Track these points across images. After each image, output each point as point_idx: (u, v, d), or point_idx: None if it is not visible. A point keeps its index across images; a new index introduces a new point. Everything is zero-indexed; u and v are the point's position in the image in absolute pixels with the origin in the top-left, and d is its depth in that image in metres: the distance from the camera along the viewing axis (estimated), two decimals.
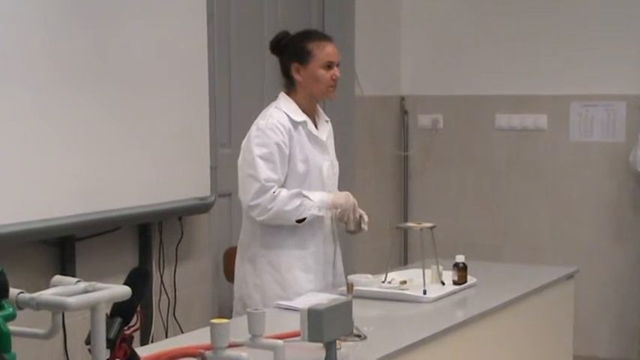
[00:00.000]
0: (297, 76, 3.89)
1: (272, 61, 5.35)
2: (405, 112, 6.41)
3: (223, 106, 5.00)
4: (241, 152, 3.87)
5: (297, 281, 3.88)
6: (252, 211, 3.78)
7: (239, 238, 4.00)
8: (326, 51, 3.90)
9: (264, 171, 3.76)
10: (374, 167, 6.16)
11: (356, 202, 3.93)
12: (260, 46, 5.30)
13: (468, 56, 6.23)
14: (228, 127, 5.06)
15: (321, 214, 3.84)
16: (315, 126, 3.96)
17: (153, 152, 4.33)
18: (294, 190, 3.79)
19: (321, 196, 3.85)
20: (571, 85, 5.96)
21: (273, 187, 3.76)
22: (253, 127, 3.85)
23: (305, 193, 3.81)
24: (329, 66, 3.89)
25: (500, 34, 6.14)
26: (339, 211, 3.87)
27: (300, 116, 3.88)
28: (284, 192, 3.77)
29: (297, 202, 3.78)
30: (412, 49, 6.37)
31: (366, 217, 3.96)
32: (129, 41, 4.19)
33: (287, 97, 3.92)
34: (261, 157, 3.77)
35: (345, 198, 3.90)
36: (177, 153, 4.45)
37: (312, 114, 3.95)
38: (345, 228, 3.96)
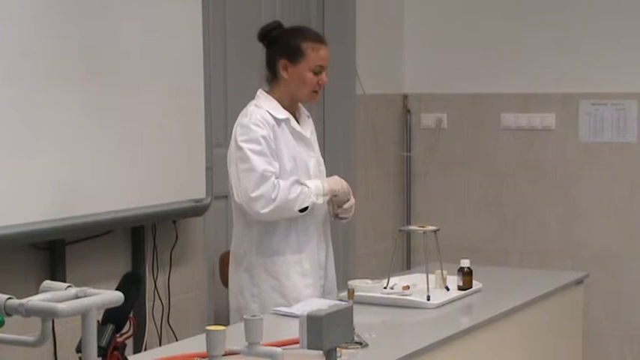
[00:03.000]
0: (283, 73, 3.82)
1: None
2: (408, 111, 6.35)
3: (219, 104, 4.96)
4: (229, 155, 3.82)
5: (295, 287, 3.83)
6: (256, 204, 3.70)
7: (231, 247, 3.94)
8: (319, 54, 3.83)
9: (261, 164, 3.71)
10: (376, 168, 6.10)
11: (349, 186, 3.93)
12: (257, 43, 5.25)
13: (473, 53, 6.18)
14: (224, 126, 4.99)
15: (319, 201, 3.81)
16: (297, 122, 3.90)
17: (146, 153, 4.28)
18: (291, 179, 3.75)
19: (316, 184, 3.82)
20: (580, 82, 5.91)
21: (271, 176, 3.71)
22: (236, 127, 3.80)
23: (300, 180, 3.77)
24: (318, 70, 3.82)
25: (506, 30, 6.09)
26: (337, 197, 3.87)
27: (281, 113, 3.83)
28: (282, 183, 3.72)
29: (297, 189, 3.75)
30: (415, 46, 6.32)
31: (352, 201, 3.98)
32: (121, 39, 4.15)
33: (266, 94, 3.87)
34: (254, 152, 3.72)
35: (340, 183, 3.89)
36: (171, 153, 4.40)
37: (293, 110, 3.90)
38: (339, 214, 3.96)
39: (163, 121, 4.35)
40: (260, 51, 5.27)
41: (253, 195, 3.69)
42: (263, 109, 3.79)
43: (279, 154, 3.77)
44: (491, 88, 6.12)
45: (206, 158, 4.59)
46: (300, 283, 3.83)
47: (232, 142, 3.81)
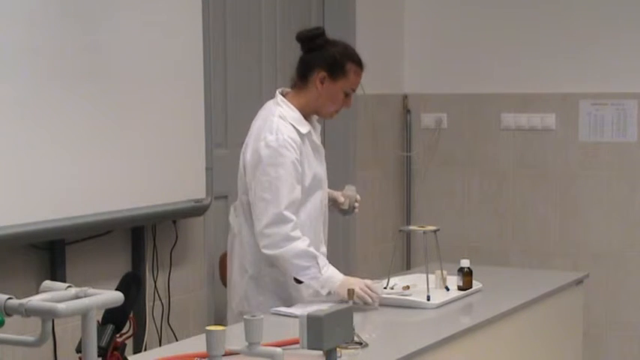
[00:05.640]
0: (317, 85, 3.73)
1: (269, 60, 5.34)
2: (408, 111, 6.34)
3: (219, 105, 4.95)
4: (250, 167, 3.68)
5: (302, 298, 3.79)
6: (262, 240, 3.61)
7: (235, 251, 3.86)
8: (357, 79, 3.81)
9: (283, 196, 3.59)
10: (375, 168, 6.09)
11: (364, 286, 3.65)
12: (257, 44, 5.26)
13: (472, 53, 6.17)
14: (224, 127, 5.00)
15: (322, 292, 3.65)
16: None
17: (146, 153, 4.26)
18: (311, 250, 3.61)
19: (331, 275, 3.62)
20: (580, 82, 5.90)
21: (291, 221, 3.59)
22: (261, 144, 3.64)
23: (320, 260, 3.62)
24: (349, 93, 3.79)
25: (506, 30, 6.08)
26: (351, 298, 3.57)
27: (304, 127, 3.74)
28: (301, 243, 3.59)
29: (306, 263, 3.60)
30: (415, 46, 6.32)
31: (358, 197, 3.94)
32: (122, 40, 4.14)
33: (287, 102, 3.76)
34: (279, 180, 3.60)
35: (346, 287, 3.51)
36: (171, 153, 4.39)
37: (309, 119, 3.83)
38: (339, 207, 3.95)
39: (163, 122, 4.33)
40: (261, 52, 5.30)
41: (265, 231, 3.59)
42: (288, 123, 3.68)
43: (302, 172, 3.69)
44: (491, 88, 6.11)
45: (206, 158, 4.57)
46: (305, 293, 3.80)
47: (256, 158, 3.65)
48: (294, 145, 3.64)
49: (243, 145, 3.78)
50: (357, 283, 3.61)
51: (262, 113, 3.80)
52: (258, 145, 3.65)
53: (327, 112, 3.81)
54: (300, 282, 3.69)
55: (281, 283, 3.76)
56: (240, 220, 3.80)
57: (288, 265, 3.61)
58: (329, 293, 3.64)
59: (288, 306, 3.68)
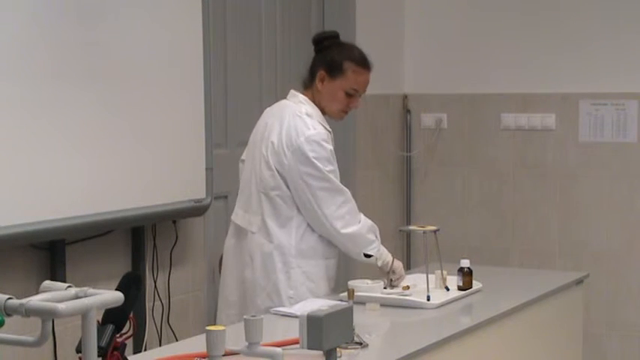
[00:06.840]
0: (318, 84, 3.85)
1: (269, 61, 5.33)
2: (408, 112, 6.34)
3: (219, 105, 4.94)
4: (294, 164, 3.77)
5: (327, 291, 3.85)
6: (337, 222, 3.77)
7: (254, 248, 3.88)
8: (358, 79, 3.86)
9: (337, 180, 3.79)
10: (375, 168, 6.09)
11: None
12: (257, 44, 5.26)
13: (473, 53, 6.17)
14: (224, 127, 4.99)
15: (378, 263, 3.88)
16: None
17: (146, 153, 4.26)
18: (371, 223, 3.89)
19: (382, 248, 3.92)
20: (580, 82, 5.90)
21: (350, 197, 3.82)
22: (301, 139, 3.75)
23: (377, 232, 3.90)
24: (352, 93, 3.85)
25: (506, 30, 6.08)
26: (395, 275, 3.91)
27: (327, 125, 3.87)
28: (364, 217, 3.86)
29: (372, 236, 3.85)
30: (415, 46, 6.32)
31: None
32: (122, 40, 4.13)
33: (310, 101, 3.86)
34: (331, 172, 3.76)
35: (401, 268, 3.95)
36: (171, 153, 4.39)
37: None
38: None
39: (163, 122, 4.33)
40: (260, 51, 5.29)
41: (337, 213, 3.77)
42: (317, 121, 3.81)
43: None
44: (491, 88, 6.10)
45: (206, 158, 4.57)
46: (327, 289, 3.88)
47: (299, 154, 3.75)
48: (329, 137, 3.80)
49: (265, 142, 3.83)
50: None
51: (284, 112, 3.86)
52: (298, 142, 3.75)
53: (331, 111, 3.88)
54: (369, 256, 3.84)
55: (310, 275, 3.82)
56: (267, 213, 3.82)
57: (359, 240, 3.81)
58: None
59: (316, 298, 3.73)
